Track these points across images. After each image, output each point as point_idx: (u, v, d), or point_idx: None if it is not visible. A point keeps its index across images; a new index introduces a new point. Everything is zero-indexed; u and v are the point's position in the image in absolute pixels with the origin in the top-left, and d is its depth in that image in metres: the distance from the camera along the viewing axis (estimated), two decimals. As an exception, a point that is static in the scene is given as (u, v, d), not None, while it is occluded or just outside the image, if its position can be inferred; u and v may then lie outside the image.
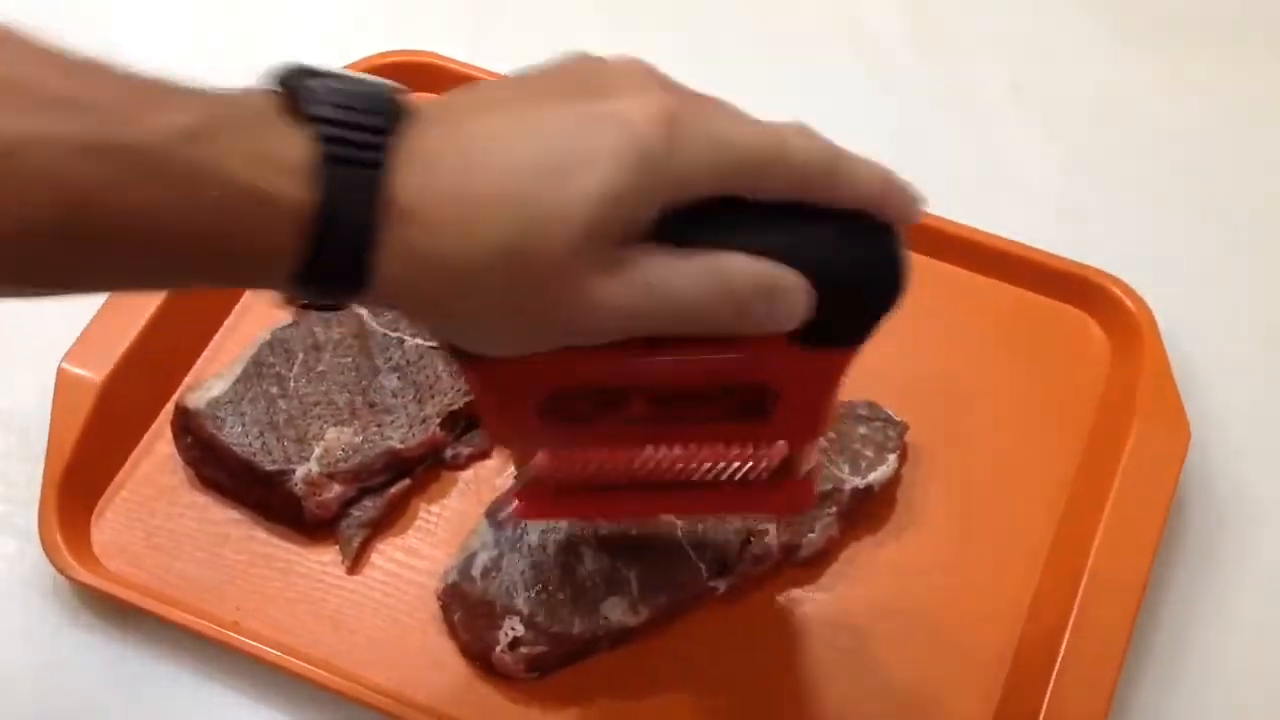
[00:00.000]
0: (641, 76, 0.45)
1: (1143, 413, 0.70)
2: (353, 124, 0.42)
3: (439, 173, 0.42)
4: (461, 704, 0.65)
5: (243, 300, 0.78)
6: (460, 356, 0.47)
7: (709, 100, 0.46)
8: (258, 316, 0.77)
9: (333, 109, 0.42)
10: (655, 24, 0.92)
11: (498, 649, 0.64)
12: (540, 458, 0.55)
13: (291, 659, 0.65)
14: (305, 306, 0.46)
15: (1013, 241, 0.78)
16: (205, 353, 0.76)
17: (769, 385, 0.49)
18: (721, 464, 0.55)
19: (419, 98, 0.44)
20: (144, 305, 0.74)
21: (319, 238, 0.41)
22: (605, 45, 0.88)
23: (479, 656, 0.66)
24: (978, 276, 0.78)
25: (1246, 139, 0.86)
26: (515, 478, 0.58)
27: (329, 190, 0.41)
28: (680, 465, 0.55)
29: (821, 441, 0.54)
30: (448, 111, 0.44)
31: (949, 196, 0.79)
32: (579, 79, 0.45)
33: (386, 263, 0.42)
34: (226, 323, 0.77)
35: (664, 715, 0.66)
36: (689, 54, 0.90)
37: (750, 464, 0.55)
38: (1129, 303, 0.75)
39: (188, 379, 0.75)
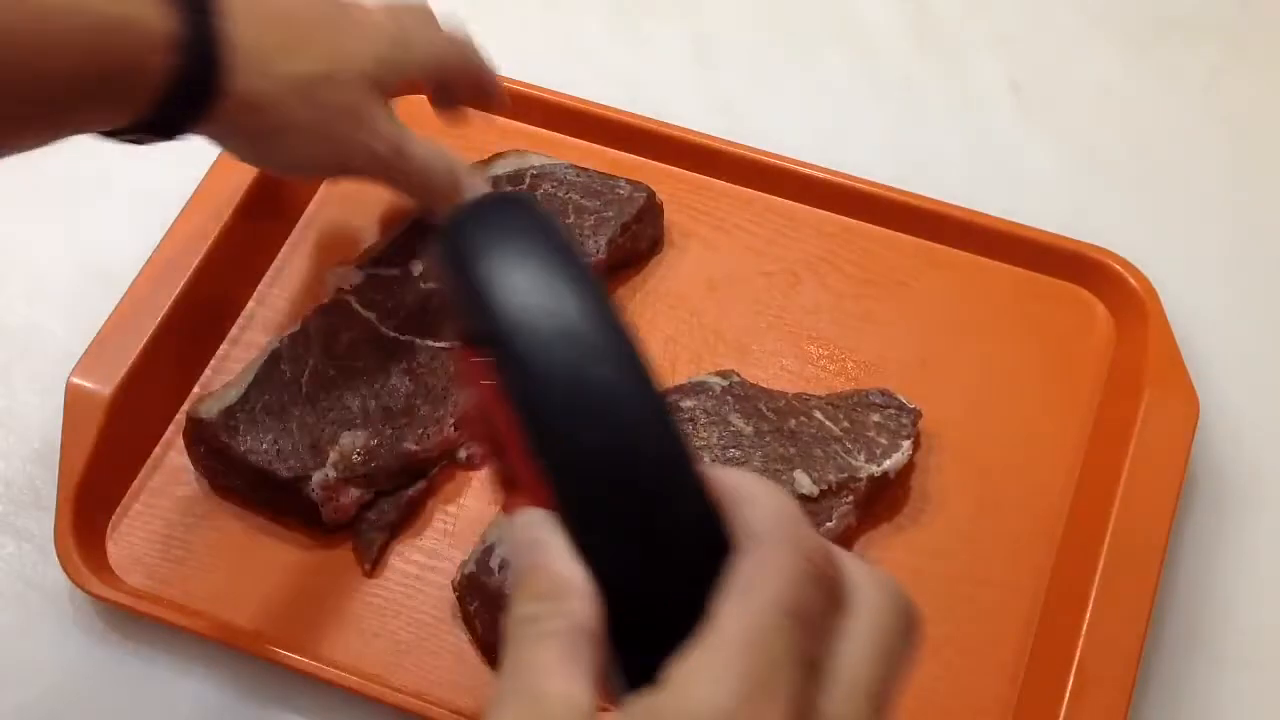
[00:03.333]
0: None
1: (1151, 385, 0.70)
2: None
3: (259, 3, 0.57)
4: (483, 701, 0.65)
5: (248, 308, 0.78)
6: None
7: (422, 10, 0.67)
8: (264, 325, 0.77)
9: None
10: (655, 24, 0.93)
11: (516, 645, 0.64)
12: None
13: (315, 664, 0.65)
14: (132, 140, 0.55)
15: (1015, 223, 0.78)
16: (212, 362, 0.76)
17: None
18: None
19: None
20: (149, 317, 0.73)
21: (186, 54, 0.51)
22: (605, 43, 0.91)
23: (496, 649, 0.65)
24: (981, 259, 0.78)
25: (1245, 139, 0.87)
26: None
27: (189, 14, 0.51)
28: None
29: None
30: None
31: (949, 197, 0.79)
32: None
33: (238, 76, 0.54)
34: (231, 333, 0.77)
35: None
36: (689, 53, 0.91)
37: None
38: (1132, 280, 0.75)
39: (196, 389, 0.75)
